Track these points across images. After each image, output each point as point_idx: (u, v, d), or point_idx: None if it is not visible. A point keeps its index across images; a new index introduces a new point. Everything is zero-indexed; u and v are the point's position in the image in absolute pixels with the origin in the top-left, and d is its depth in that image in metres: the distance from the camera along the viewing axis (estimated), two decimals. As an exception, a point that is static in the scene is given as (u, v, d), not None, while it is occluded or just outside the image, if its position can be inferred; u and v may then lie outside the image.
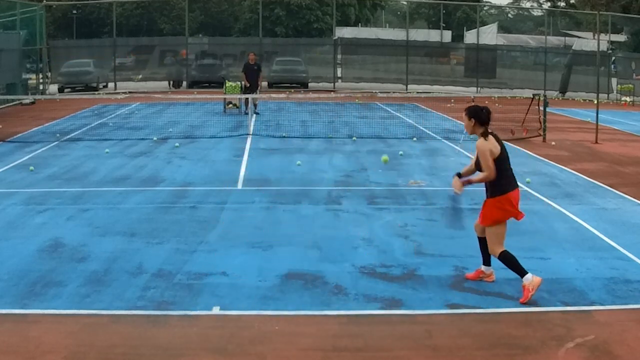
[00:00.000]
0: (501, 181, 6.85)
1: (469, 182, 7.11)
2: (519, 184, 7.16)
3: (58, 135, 18.15)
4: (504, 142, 7.07)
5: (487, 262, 7.20)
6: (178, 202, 10.78)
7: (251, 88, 22.51)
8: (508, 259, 6.81)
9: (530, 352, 5.69)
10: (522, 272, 6.74)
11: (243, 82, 23.17)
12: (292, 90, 32.71)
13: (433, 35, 42.34)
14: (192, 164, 14.19)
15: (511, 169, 6.97)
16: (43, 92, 31.29)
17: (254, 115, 21.44)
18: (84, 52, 36.89)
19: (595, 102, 20.41)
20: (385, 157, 14.06)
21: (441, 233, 9.12)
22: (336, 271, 7.54)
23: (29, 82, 31.29)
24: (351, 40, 39.65)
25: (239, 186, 12.06)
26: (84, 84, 34.01)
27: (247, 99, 22.04)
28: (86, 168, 13.61)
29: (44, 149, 16.08)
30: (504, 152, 6.87)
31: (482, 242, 7.12)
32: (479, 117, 6.88)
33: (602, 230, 9.27)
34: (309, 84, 36.55)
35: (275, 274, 7.43)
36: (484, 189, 7.03)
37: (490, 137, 6.88)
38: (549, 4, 57.65)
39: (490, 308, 6.58)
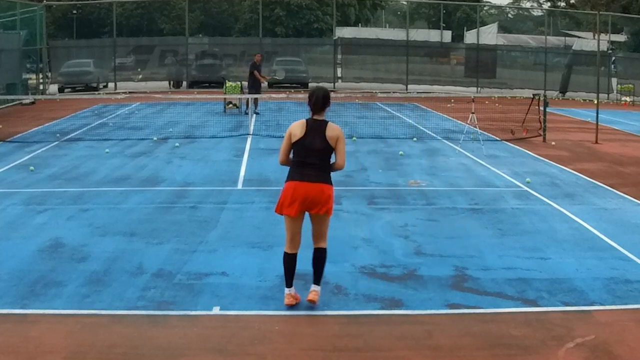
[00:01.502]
0: (290, 168, 6.49)
1: None
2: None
3: (58, 135, 18.16)
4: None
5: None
6: (178, 202, 10.78)
7: (256, 88, 22.54)
8: (283, 262, 6.56)
9: (530, 352, 5.69)
10: (287, 283, 6.52)
11: (262, 80, 23.02)
12: (292, 90, 32.71)
13: (433, 35, 42.33)
14: (192, 164, 14.20)
15: (308, 163, 6.35)
16: (43, 92, 31.30)
17: (254, 115, 21.45)
18: (84, 52, 36.91)
19: (595, 102, 20.41)
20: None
21: (441, 233, 9.13)
22: (336, 271, 7.54)
23: (29, 82, 31.31)
24: (351, 40, 39.64)
25: (239, 186, 12.06)
26: (84, 84, 34.02)
27: (247, 98, 22.07)
28: (86, 168, 13.61)
29: (44, 149, 16.08)
30: (304, 140, 6.33)
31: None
32: (308, 100, 6.51)
33: (602, 230, 9.27)
34: (309, 84, 36.53)
35: (275, 274, 7.42)
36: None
37: (301, 122, 6.43)
38: (549, 4, 57.59)
39: (490, 308, 6.58)
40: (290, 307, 6.47)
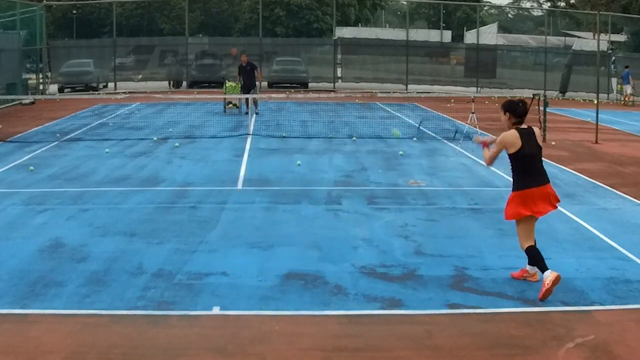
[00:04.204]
0: (519, 177, 7.03)
1: (484, 144, 7.45)
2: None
3: (58, 135, 18.16)
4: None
5: (531, 262, 7.15)
6: (178, 202, 10.78)
7: (248, 88, 22.63)
8: (531, 254, 6.97)
9: (530, 352, 5.69)
10: (542, 268, 6.84)
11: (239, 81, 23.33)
12: (292, 90, 32.71)
13: (433, 35, 42.32)
14: (192, 164, 14.20)
15: (538, 168, 7.05)
16: (43, 92, 31.30)
17: (254, 115, 21.46)
18: (84, 52, 36.90)
19: (595, 102, 20.42)
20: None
21: (441, 233, 9.13)
22: (336, 271, 7.54)
23: (29, 82, 31.30)
24: (351, 40, 39.63)
25: (239, 186, 12.06)
26: (84, 84, 34.02)
27: (247, 98, 22.09)
28: (86, 168, 13.61)
29: (44, 149, 16.08)
30: (525, 150, 6.93)
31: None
32: (514, 110, 7.11)
33: (602, 230, 9.27)
34: (309, 84, 36.55)
35: (275, 274, 7.43)
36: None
37: (514, 131, 7.01)
38: (549, 4, 57.59)
39: (490, 308, 6.58)
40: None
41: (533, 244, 7.00)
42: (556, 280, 6.71)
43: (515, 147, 6.95)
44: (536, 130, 7.15)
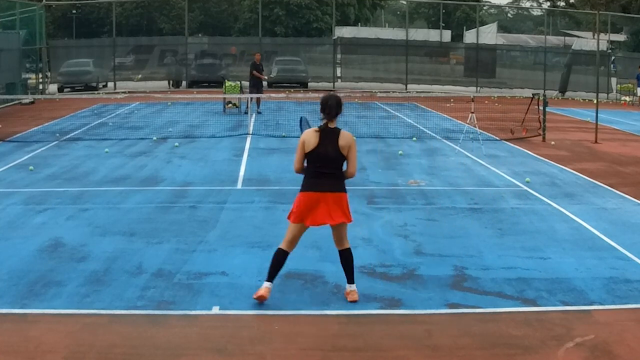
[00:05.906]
0: (305, 178, 6.58)
1: None
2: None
3: (58, 135, 18.16)
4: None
5: (349, 280, 6.78)
6: (178, 202, 10.78)
7: (257, 87, 22.70)
8: (274, 257, 6.62)
9: (530, 352, 5.69)
10: (269, 277, 6.56)
11: (262, 78, 23.41)
12: (292, 89, 32.70)
13: (433, 35, 42.34)
14: (192, 163, 14.20)
15: (328, 173, 6.46)
16: (43, 92, 31.30)
17: (254, 114, 21.44)
18: (83, 52, 36.90)
19: (595, 101, 20.42)
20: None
21: (441, 233, 9.13)
22: (336, 271, 7.51)
23: (29, 81, 31.30)
24: (351, 40, 39.65)
25: (239, 186, 12.06)
26: (84, 84, 34.01)
27: (247, 98, 22.10)
28: (86, 168, 13.61)
29: (43, 148, 16.08)
30: (319, 150, 6.40)
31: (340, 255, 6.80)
32: (323, 109, 6.51)
33: (602, 230, 9.27)
34: (309, 84, 36.56)
35: (275, 273, 7.42)
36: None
37: (313, 130, 6.49)
38: (548, 3, 57.58)
39: (490, 308, 6.58)
40: (261, 301, 6.51)
41: (287, 250, 6.60)
42: (260, 299, 6.48)
43: (311, 146, 6.40)
44: (346, 135, 6.47)
